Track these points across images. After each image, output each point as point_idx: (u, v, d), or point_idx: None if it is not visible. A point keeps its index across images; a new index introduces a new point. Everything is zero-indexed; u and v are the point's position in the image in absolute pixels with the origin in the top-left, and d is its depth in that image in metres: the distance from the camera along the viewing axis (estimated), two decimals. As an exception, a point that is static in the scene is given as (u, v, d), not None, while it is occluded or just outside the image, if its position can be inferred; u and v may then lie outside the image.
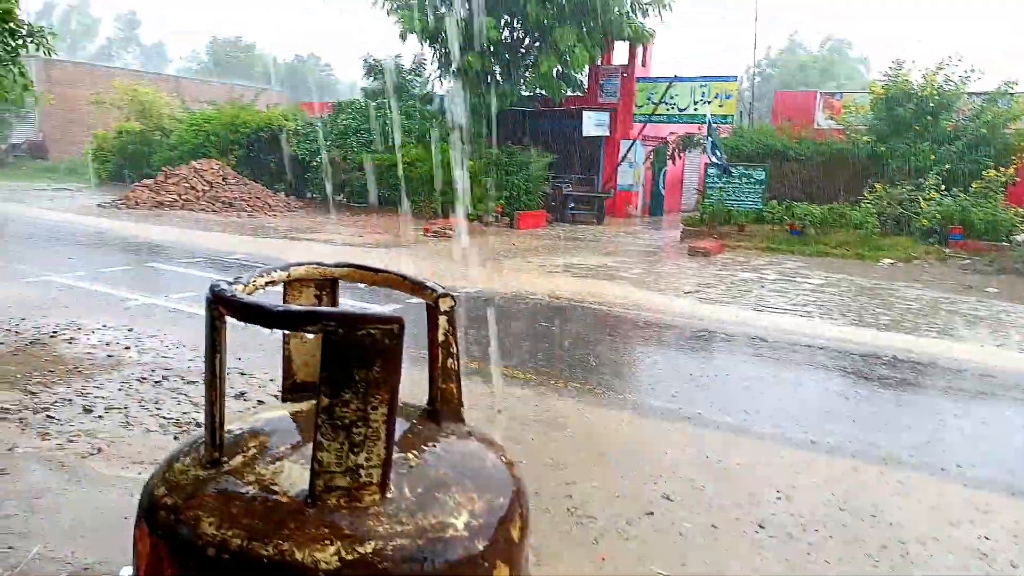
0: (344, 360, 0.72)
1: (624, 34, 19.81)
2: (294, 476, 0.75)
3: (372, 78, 23.31)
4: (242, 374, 5.88)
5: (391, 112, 21.06)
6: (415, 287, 1.00)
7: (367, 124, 20.66)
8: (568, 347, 7.46)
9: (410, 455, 0.79)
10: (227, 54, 65.77)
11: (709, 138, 17.33)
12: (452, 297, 1.01)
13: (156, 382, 5.53)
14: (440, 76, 22.04)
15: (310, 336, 1.02)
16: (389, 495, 0.74)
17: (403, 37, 20.42)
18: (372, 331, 0.71)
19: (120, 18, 78.31)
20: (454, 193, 18.51)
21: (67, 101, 29.75)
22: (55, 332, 6.62)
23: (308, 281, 1.01)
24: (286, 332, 1.00)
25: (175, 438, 4.59)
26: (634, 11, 19.82)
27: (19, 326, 6.77)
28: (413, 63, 23.60)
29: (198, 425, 4.79)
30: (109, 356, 6.07)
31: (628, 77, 21.61)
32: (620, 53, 22.31)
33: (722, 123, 19.70)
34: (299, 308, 0.78)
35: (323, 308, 0.78)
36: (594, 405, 5.64)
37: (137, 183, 19.96)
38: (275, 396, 5.40)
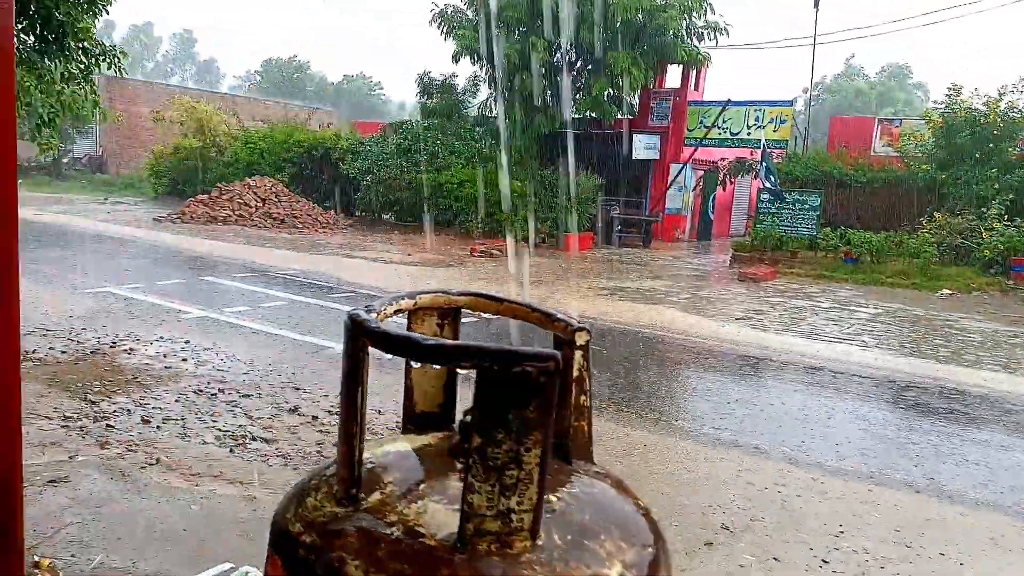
0: (498, 399, 0.66)
1: (678, 58, 19.74)
2: (438, 518, 0.70)
3: (426, 97, 23.62)
4: (296, 388, 5.91)
5: (442, 132, 21.28)
6: (544, 318, 0.93)
7: (418, 144, 20.90)
8: (619, 373, 7.34)
9: (552, 498, 0.73)
10: (281, 73, 67.47)
11: (763, 163, 17.08)
12: (588, 331, 0.94)
13: (212, 395, 5.58)
14: (492, 97, 22.23)
15: (435, 367, 0.95)
16: (539, 542, 0.67)
17: (456, 58, 20.69)
18: (529, 368, 0.65)
19: (176, 36, 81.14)
20: (502, 214, 18.57)
21: (127, 117, 30.82)
22: (114, 343, 6.75)
23: (431, 309, 0.95)
24: (409, 362, 0.93)
25: (231, 451, 4.60)
26: (689, 35, 19.74)
27: (79, 336, 6.93)
28: (467, 83, 23.87)
29: (254, 439, 4.82)
30: (167, 368, 6.16)
31: (680, 100, 21.49)
32: (673, 76, 22.23)
33: (777, 148, 19.42)
34: (451, 343, 0.73)
35: (476, 343, 0.71)
36: (648, 432, 5.51)
37: (192, 198, 20.48)
38: (328, 411, 5.41)
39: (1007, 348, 9.23)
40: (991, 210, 15.85)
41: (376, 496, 0.77)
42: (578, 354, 0.94)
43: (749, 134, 20.55)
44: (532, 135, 20.38)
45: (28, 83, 5.21)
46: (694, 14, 19.86)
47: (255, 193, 19.91)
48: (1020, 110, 17.29)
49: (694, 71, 21.48)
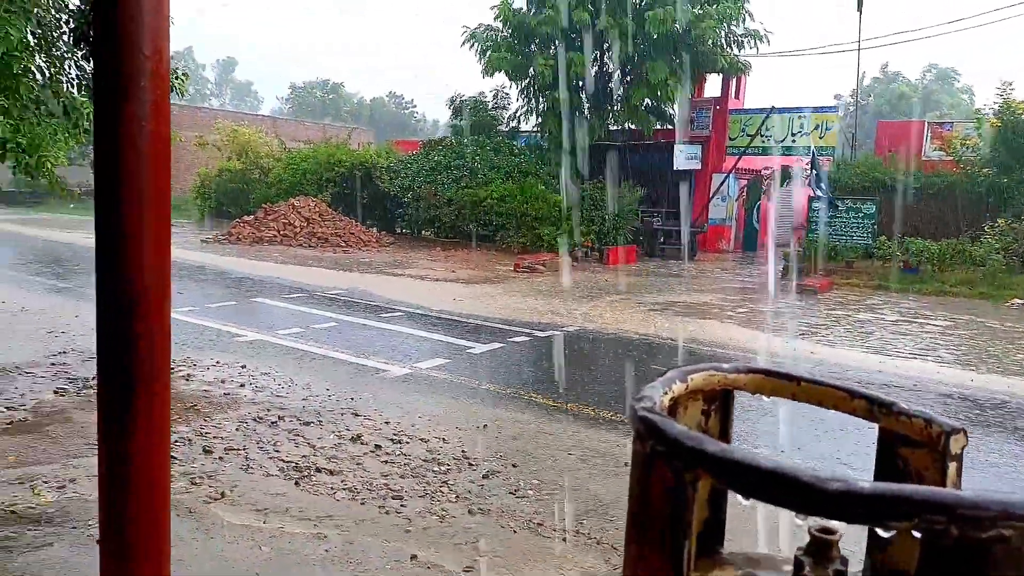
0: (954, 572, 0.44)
1: (718, 66, 19.40)
2: None
3: (459, 117, 23.62)
4: (356, 415, 5.75)
5: (479, 149, 21.21)
6: (878, 409, 0.70)
7: (457, 160, 20.85)
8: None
9: None
10: (317, 95, 68.50)
11: (813, 171, 16.62)
12: (965, 432, 0.69)
13: (272, 423, 5.45)
14: (527, 112, 22.12)
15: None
16: None
17: (489, 74, 20.61)
18: (1007, 532, 0.43)
19: (219, 63, 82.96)
20: (543, 228, 18.37)
21: (172, 141, 31.36)
22: (172, 368, 6.67)
23: (695, 392, 0.72)
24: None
25: (296, 484, 4.44)
26: (728, 44, 19.41)
27: (138, 361, 6.88)
28: (498, 100, 23.79)
29: (319, 470, 4.65)
30: (225, 394, 6.06)
31: (721, 110, 21.12)
32: (713, 85, 21.89)
33: (824, 155, 18.93)
34: (880, 488, 0.48)
35: (920, 490, 0.47)
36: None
37: (238, 219, 20.67)
38: (391, 440, 5.22)
39: (1091, 360, 8.72)
40: (1060, 214, 15.18)
41: None
42: (952, 467, 0.69)
43: (794, 141, 20.12)
44: (571, 149, 20.19)
45: (88, 108, 5.17)
46: (733, 22, 19.55)
47: (299, 213, 20.03)
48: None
49: (734, 79, 21.11)
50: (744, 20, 19.47)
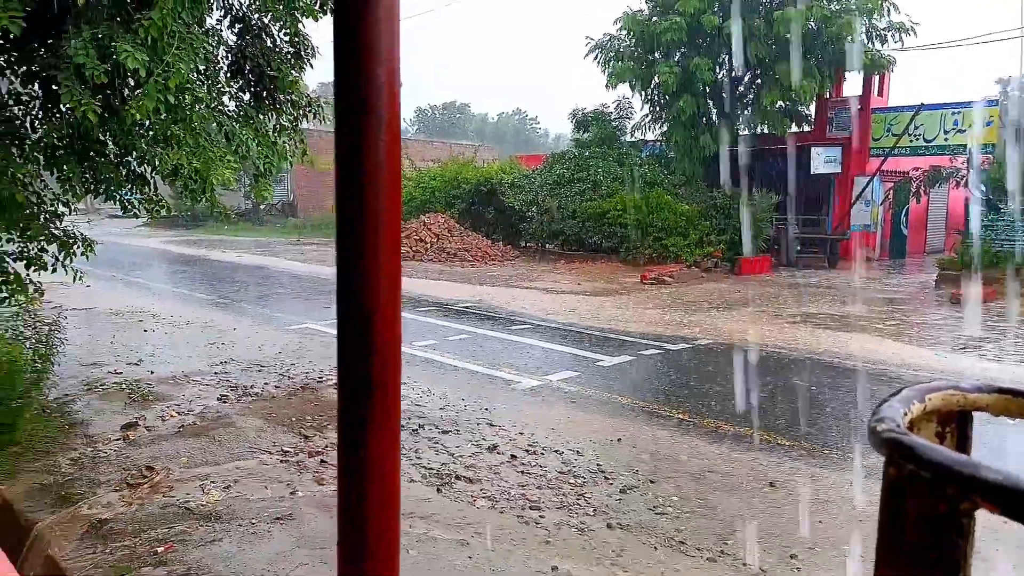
0: None
1: (858, 64, 18.35)
2: None
3: (582, 130, 23.69)
4: (491, 425, 5.86)
5: (602, 160, 21.14)
6: None
7: (580, 173, 20.89)
8: (834, 413, 6.68)
9: None
10: (443, 115, 70.81)
11: (971, 170, 15.34)
12: None
13: (413, 430, 5.65)
14: (652, 121, 21.83)
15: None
16: None
17: (613, 85, 20.51)
18: None
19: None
20: (670, 239, 18.03)
21: (315, 165, 33.38)
22: (321, 378, 7.08)
23: (931, 413, 0.68)
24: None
25: (438, 490, 4.58)
26: (870, 39, 18.33)
27: (289, 371, 7.34)
28: (620, 110, 23.65)
29: (458, 478, 4.77)
30: (369, 403, 6.34)
31: (863, 109, 19.93)
32: (854, 84, 20.72)
33: (984, 154, 17.43)
34: None
35: None
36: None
37: (373, 236, 21.62)
38: (525, 451, 5.27)
39: None
40: None
41: None
42: None
43: (947, 140, 18.65)
44: (698, 156, 19.73)
45: (246, 136, 5.61)
46: (875, 16, 18.45)
47: (429, 229, 20.73)
48: None
49: (877, 76, 19.88)
50: (888, 13, 18.35)
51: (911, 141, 18.86)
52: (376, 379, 0.77)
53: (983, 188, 15.14)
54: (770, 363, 8.36)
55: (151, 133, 5.12)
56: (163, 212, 6.47)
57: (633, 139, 23.25)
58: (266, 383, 6.84)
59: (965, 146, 16.85)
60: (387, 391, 0.79)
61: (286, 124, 6.16)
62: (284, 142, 6.30)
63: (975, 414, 0.75)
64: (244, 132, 5.79)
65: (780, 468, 5.13)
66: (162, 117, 4.61)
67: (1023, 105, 19.61)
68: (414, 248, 20.00)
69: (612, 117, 23.69)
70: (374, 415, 0.76)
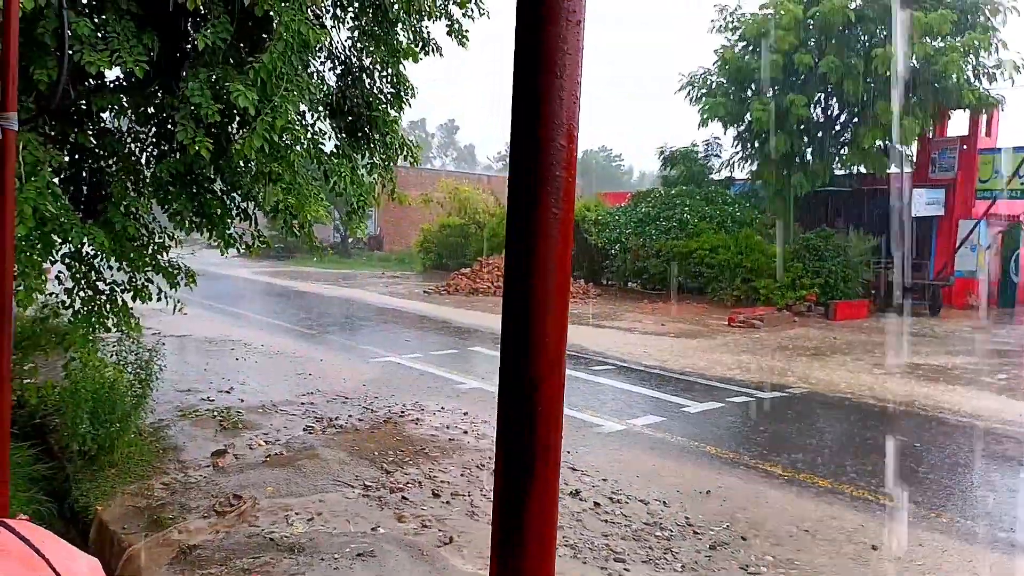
0: None
1: (964, 102, 17.51)
2: None
3: (669, 167, 23.44)
4: (572, 469, 5.72)
5: (689, 199, 20.82)
6: None
7: (666, 212, 20.63)
8: (939, 472, 6.21)
9: None
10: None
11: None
12: None
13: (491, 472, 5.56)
14: (742, 159, 21.39)
15: None
16: None
17: (704, 124, 20.26)
18: None
19: (443, 126, 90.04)
20: (759, 281, 17.48)
21: (403, 201, 34.29)
22: (403, 412, 7.12)
23: None
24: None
25: (519, 536, 4.46)
26: (977, 77, 17.50)
27: (372, 404, 7.42)
28: (709, 148, 23.32)
29: (540, 524, 4.64)
30: (450, 440, 6.32)
31: (968, 149, 18.98)
32: (958, 124, 19.78)
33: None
34: None
35: None
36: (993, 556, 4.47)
37: (456, 271, 21.96)
38: (609, 498, 5.10)
39: None
40: None
41: None
42: None
43: (1062, 182, 17.52)
44: (789, 196, 19.15)
45: (344, 173, 5.77)
46: (982, 53, 17.61)
47: (511, 265, 20.85)
48: None
49: (984, 115, 18.92)
50: (996, 50, 17.49)
51: (1022, 183, 17.78)
52: (537, 450, 0.78)
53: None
54: (868, 415, 7.89)
55: (254, 170, 5.33)
56: (263, 246, 6.69)
57: (721, 178, 22.84)
58: (350, 415, 6.92)
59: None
60: (547, 459, 0.79)
61: (378, 163, 6.30)
62: (375, 179, 6.44)
63: None
64: (342, 168, 5.95)
65: (880, 529, 4.78)
66: (266, 153, 4.78)
67: None
68: (496, 284, 20.12)
69: (700, 156, 23.37)
70: (532, 487, 0.78)
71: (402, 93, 6.16)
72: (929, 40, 17.25)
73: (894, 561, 4.34)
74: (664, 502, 5.11)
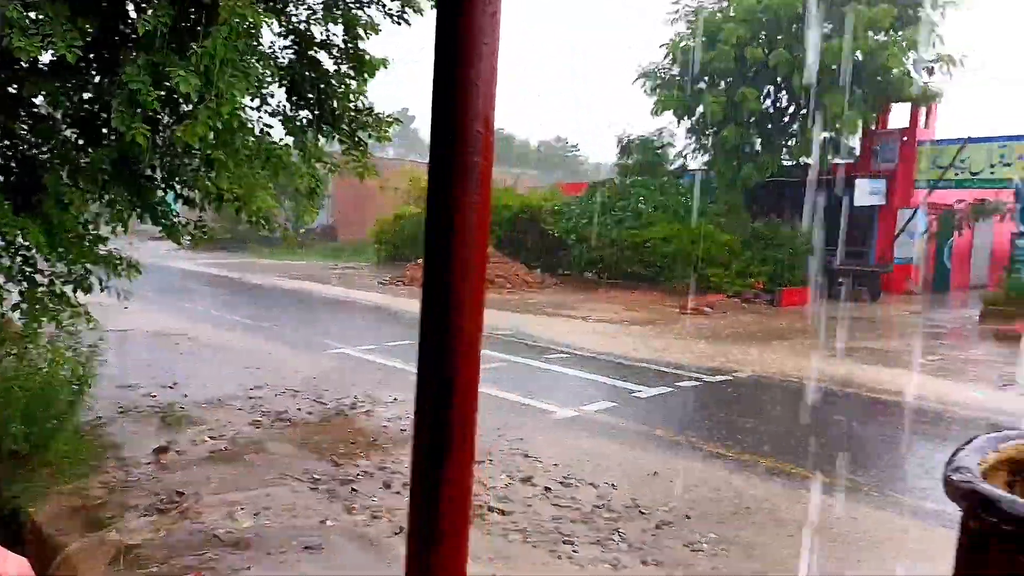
0: None
1: (904, 95, 18.07)
2: None
3: (626, 156, 23.64)
4: (525, 456, 5.76)
5: (644, 189, 21.07)
6: None
7: (622, 201, 20.83)
8: (876, 450, 6.44)
9: None
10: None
11: (1019, 204, 14.94)
12: None
13: (445, 460, 5.57)
14: (696, 150, 21.72)
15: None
16: None
17: (656, 113, 20.50)
18: None
19: (399, 113, 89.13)
20: (710, 269, 17.81)
21: (356, 188, 33.77)
22: (354, 404, 7.07)
23: (1002, 462, 0.63)
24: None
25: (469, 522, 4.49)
26: (917, 71, 18.06)
27: (323, 397, 7.34)
28: (663, 138, 23.64)
29: (491, 510, 4.68)
30: (402, 431, 6.30)
31: (908, 141, 19.61)
32: (899, 116, 20.40)
33: (1033, 187, 16.99)
34: None
35: None
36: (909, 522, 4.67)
37: (412, 263, 21.82)
38: (560, 483, 5.17)
39: None
40: None
41: None
42: None
43: (992, 174, 18.22)
44: (740, 186, 19.53)
45: (300, 159, 5.68)
46: (922, 48, 18.18)
47: (466, 256, 20.80)
48: None
49: (923, 109, 19.56)
50: (934, 45, 18.07)
51: (956, 175, 18.45)
52: (452, 433, 0.81)
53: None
54: (809, 397, 8.13)
55: (196, 159, 5.21)
56: (206, 236, 6.52)
57: (675, 168, 23.17)
58: (299, 408, 6.85)
59: (1011, 180, 16.42)
60: (465, 431, 0.82)
61: (345, 139, 6.15)
62: (333, 165, 6.31)
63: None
64: (298, 153, 5.84)
65: (820, 506, 4.95)
66: (212, 141, 4.67)
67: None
68: (450, 274, 20.04)
69: (656, 145, 23.66)
70: (450, 454, 0.81)
71: (363, 68, 6.00)
72: (872, 34, 17.74)
73: (830, 535, 4.49)
74: (613, 485, 5.19)
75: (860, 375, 9.24)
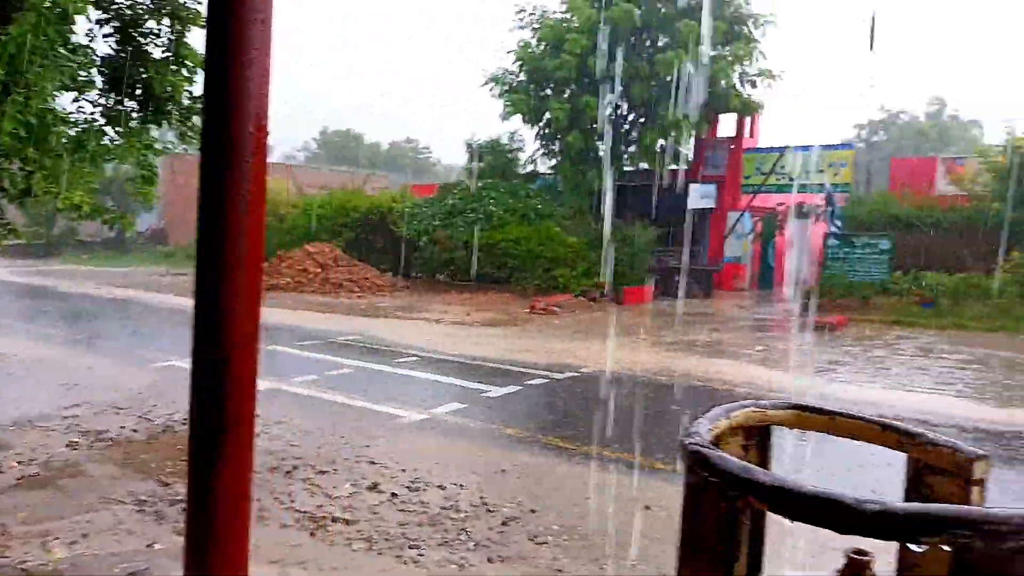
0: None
1: (731, 106, 19.59)
2: None
3: (476, 160, 23.91)
4: (372, 463, 5.66)
5: (496, 192, 21.41)
6: (908, 440, 0.69)
7: (473, 204, 21.05)
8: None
9: None
10: (337, 143, 69.58)
11: (829, 207, 16.62)
12: (989, 460, 0.69)
13: (287, 472, 5.37)
14: (544, 155, 22.36)
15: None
16: None
17: (507, 117, 20.93)
18: None
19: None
20: (558, 270, 18.39)
21: (188, 190, 31.81)
22: (184, 420, 6.60)
23: (737, 428, 0.71)
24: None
25: (311, 535, 4.35)
26: (742, 83, 19.63)
27: (150, 413, 6.85)
28: (514, 143, 24.13)
29: (334, 520, 4.56)
30: (240, 443, 5.99)
31: (735, 149, 21.26)
32: (728, 125, 22.07)
33: (840, 192, 18.95)
34: (913, 507, 0.52)
35: (949, 508, 0.47)
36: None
37: (254, 266, 20.79)
38: (407, 488, 5.12)
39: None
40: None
41: None
42: (976, 491, 0.71)
43: (808, 180, 20.16)
44: (585, 190, 20.34)
45: (121, 150, 5.26)
46: (745, 62, 19.80)
47: (314, 259, 20.17)
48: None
49: (748, 119, 21.30)
50: (756, 60, 19.72)
51: (777, 180, 20.23)
52: (229, 420, 0.77)
53: (839, 223, 16.41)
54: (649, 389, 8.59)
55: (4, 155, 4.69)
56: (10, 238, 5.91)
57: (525, 171, 23.71)
58: (123, 427, 6.34)
59: (823, 185, 18.25)
60: (240, 430, 0.77)
61: (178, 126, 5.80)
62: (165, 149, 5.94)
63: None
64: (120, 145, 5.43)
65: (657, 490, 5.23)
66: (22, 137, 4.22)
67: (873, 150, 21.49)
68: (296, 279, 19.38)
69: (507, 149, 24.09)
70: (225, 453, 0.76)
71: (188, 61, 5.68)
72: (703, 49, 19.08)
73: (665, 517, 4.76)
74: (461, 485, 5.22)
75: (692, 367, 9.88)
